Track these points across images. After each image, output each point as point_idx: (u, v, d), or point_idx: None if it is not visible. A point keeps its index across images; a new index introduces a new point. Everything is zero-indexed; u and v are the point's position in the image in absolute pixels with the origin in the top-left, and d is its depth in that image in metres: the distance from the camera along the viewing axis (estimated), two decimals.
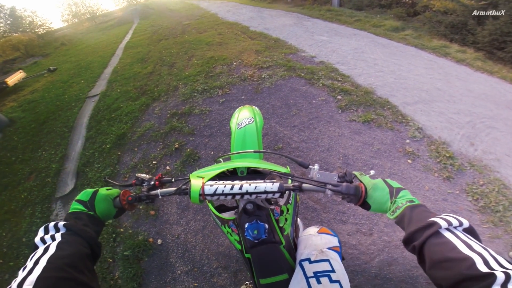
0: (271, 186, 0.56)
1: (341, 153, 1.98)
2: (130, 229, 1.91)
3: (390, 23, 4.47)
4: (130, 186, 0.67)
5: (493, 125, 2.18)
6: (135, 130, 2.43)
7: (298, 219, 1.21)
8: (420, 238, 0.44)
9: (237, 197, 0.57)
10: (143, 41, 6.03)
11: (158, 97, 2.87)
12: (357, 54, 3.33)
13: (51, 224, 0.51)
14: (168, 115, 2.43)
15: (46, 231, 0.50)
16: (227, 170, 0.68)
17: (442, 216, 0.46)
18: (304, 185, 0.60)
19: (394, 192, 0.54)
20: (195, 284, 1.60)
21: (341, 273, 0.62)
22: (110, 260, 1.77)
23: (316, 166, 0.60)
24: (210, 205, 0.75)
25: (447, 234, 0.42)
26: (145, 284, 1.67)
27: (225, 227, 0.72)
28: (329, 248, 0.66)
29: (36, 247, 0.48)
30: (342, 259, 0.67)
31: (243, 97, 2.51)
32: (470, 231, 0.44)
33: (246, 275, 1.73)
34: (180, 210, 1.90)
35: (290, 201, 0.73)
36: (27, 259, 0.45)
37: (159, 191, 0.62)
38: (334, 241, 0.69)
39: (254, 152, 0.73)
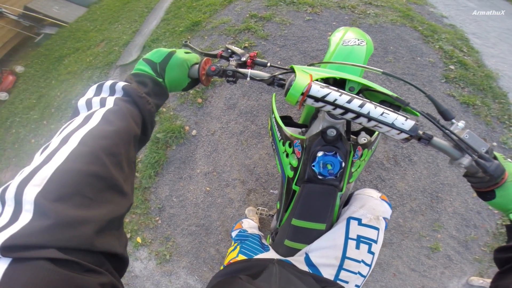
0: (402, 121, 0.41)
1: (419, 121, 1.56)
2: (172, 111, 1.90)
3: None
4: (214, 57, 0.54)
5: None
6: (210, 21, 2.30)
7: None
8: None
9: (350, 115, 0.42)
10: None
11: None
12: (506, 35, 2.41)
13: (108, 83, 0.35)
14: (248, 15, 2.20)
15: (98, 91, 0.35)
16: (333, 79, 0.54)
17: None
18: (435, 138, 0.44)
19: None
20: (207, 188, 1.55)
21: (378, 247, 0.58)
22: None
23: (461, 123, 0.44)
24: (275, 112, 0.64)
25: None
26: (161, 174, 1.65)
27: (283, 144, 0.59)
28: (384, 218, 0.61)
29: (75, 114, 0.32)
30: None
31: (334, 23, 2.08)
32: None
33: (259, 197, 1.63)
34: (226, 107, 1.78)
35: (372, 146, 0.61)
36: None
37: (250, 71, 0.49)
38: (389, 213, 0.63)
39: (363, 67, 0.51)
